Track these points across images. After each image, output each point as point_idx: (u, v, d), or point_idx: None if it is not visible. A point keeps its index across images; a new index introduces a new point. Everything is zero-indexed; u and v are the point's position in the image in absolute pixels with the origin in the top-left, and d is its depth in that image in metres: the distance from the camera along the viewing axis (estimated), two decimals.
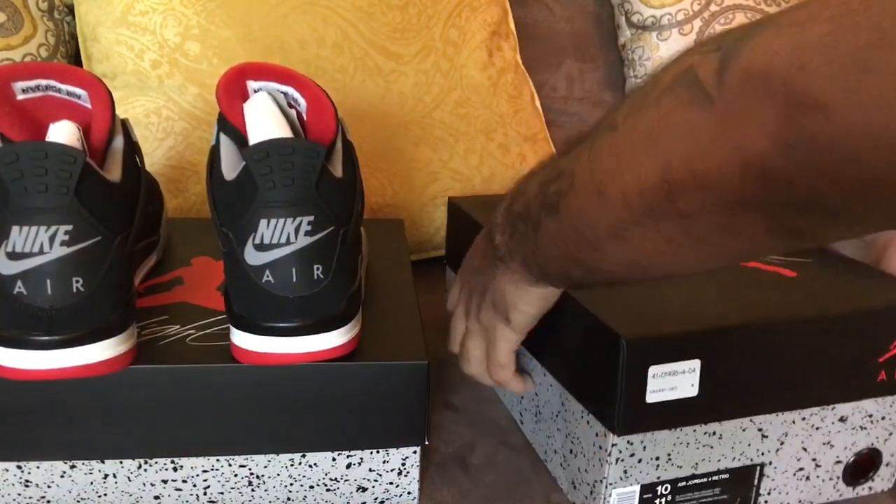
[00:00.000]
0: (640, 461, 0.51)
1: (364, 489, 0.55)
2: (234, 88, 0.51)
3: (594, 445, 0.51)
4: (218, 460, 0.53)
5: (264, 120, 0.48)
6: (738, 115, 0.30)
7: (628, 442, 0.50)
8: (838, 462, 0.56)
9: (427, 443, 0.53)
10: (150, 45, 0.81)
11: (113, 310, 0.46)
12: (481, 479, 0.58)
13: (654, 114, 0.34)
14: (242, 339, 0.49)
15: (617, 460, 0.50)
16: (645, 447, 0.50)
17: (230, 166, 0.49)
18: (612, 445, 0.50)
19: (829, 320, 0.51)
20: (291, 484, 0.54)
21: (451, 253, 0.84)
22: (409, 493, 0.55)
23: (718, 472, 0.53)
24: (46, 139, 0.45)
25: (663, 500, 0.53)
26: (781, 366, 0.51)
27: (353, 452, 0.53)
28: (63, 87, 0.50)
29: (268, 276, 0.47)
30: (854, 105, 0.26)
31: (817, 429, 0.54)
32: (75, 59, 0.89)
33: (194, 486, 0.53)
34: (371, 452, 0.54)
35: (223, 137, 0.50)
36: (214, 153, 0.50)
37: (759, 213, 0.31)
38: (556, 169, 0.42)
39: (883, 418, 0.56)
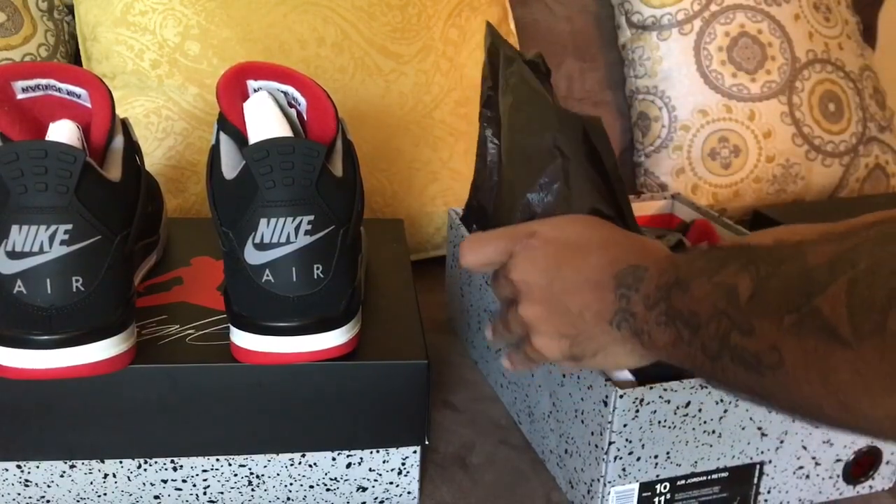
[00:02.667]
0: (638, 459, 0.51)
1: (364, 489, 0.55)
2: (234, 88, 0.51)
3: (590, 444, 0.51)
4: (218, 460, 0.52)
5: (264, 119, 0.48)
6: None
7: (627, 440, 0.50)
8: (838, 460, 0.56)
9: (427, 443, 0.53)
10: (150, 44, 0.81)
11: (113, 309, 0.46)
12: (481, 479, 0.58)
13: None
14: (242, 339, 0.49)
15: (615, 458, 0.50)
16: (643, 445, 0.50)
17: (230, 166, 0.49)
18: (610, 444, 0.50)
19: None
20: (291, 484, 0.54)
21: None
22: (409, 492, 0.55)
23: (718, 470, 0.53)
24: (46, 138, 0.45)
25: (662, 498, 0.53)
26: None
27: (353, 452, 0.53)
28: (63, 86, 0.50)
29: (268, 276, 0.47)
30: None
31: (817, 427, 0.54)
32: (75, 58, 0.89)
33: (194, 485, 0.53)
34: (371, 452, 0.54)
35: (223, 137, 0.50)
36: (214, 153, 0.50)
37: None
38: (741, 315, 0.36)
39: None
